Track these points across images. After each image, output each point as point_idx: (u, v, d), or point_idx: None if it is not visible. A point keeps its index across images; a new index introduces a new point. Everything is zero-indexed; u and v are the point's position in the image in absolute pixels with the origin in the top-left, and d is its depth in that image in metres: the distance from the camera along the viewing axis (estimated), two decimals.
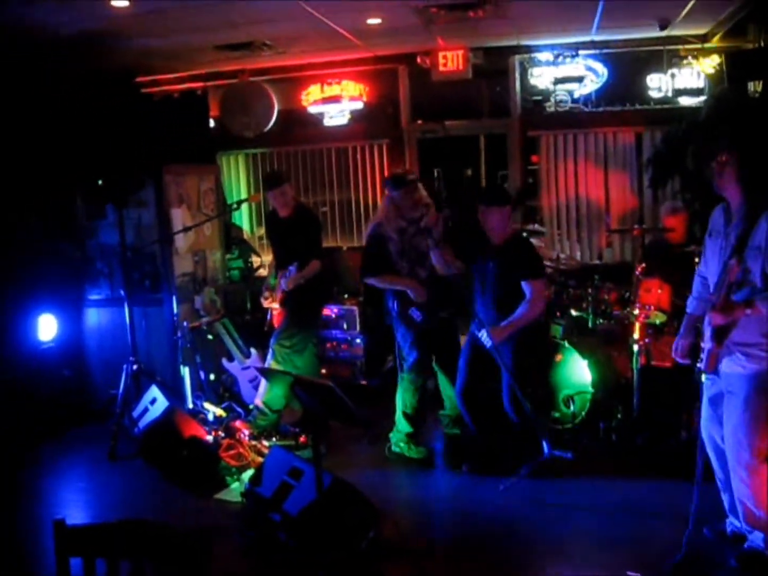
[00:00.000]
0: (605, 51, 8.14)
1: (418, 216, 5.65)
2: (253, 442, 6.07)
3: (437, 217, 5.69)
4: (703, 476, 4.14)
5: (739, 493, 4.06)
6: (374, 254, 5.89)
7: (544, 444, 5.27)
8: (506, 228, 5.44)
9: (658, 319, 6.02)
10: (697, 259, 5.73)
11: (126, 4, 5.60)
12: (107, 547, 2.33)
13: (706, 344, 3.98)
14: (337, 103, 8.76)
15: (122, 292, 6.68)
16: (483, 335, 5.32)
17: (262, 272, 8.63)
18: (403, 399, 5.98)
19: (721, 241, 4.03)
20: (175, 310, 7.09)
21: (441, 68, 8.11)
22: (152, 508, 5.29)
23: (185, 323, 7.06)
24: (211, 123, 8.84)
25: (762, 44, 7.35)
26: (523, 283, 5.33)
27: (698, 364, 4.17)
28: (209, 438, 6.05)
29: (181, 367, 7.05)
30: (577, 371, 6.16)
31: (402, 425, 6.01)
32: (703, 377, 4.17)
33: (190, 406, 6.97)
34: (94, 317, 7.48)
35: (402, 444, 6.01)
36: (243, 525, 4.71)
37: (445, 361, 6.00)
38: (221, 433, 6.19)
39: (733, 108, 6.83)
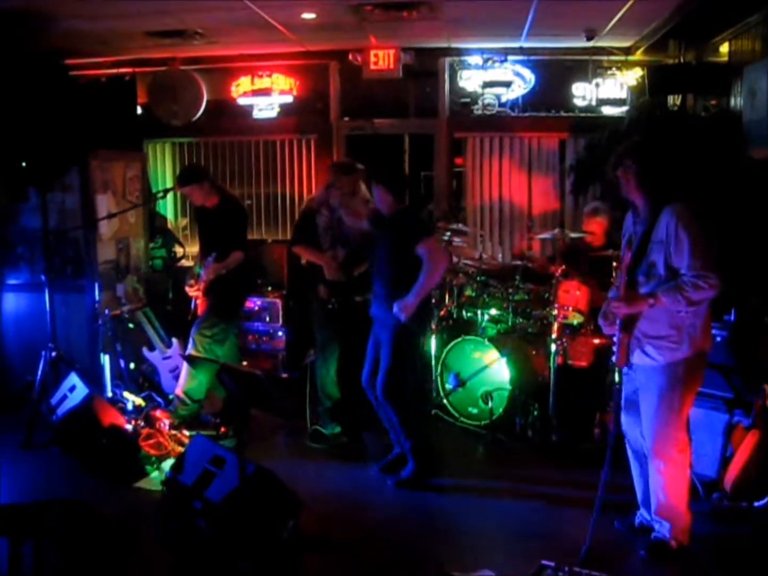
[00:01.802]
0: (533, 58, 8.34)
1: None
2: (174, 432, 6.03)
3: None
4: (618, 468, 4.32)
5: (653, 483, 4.23)
6: (303, 226, 6.32)
7: (410, 454, 5.39)
8: (391, 204, 5.39)
9: (576, 319, 6.20)
10: (615, 263, 5.95)
11: None
12: (34, 527, 2.33)
13: (616, 335, 4.18)
14: (266, 96, 8.75)
15: (43, 278, 6.56)
16: (396, 310, 5.17)
17: (185, 262, 8.57)
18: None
19: (629, 238, 4.25)
20: (96, 298, 6.99)
21: (372, 66, 8.18)
22: (70, 496, 5.19)
23: (106, 311, 6.97)
24: (139, 110, 8.73)
25: (682, 60, 7.63)
26: (419, 250, 5.18)
27: (611, 359, 4.36)
28: (129, 427, 6.00)
29: (101, 355, 6.94)
30: (496, 369, 6.29)
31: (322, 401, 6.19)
32: (619, 373, 4.36)
33: (110, 394, 6.86)
34: (11, 302, 7.30)
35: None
36: (163, 513, 4.68)
37: (346, 344, 6.16)
38: (141, 423, 6.13)
39: (653, 119, 7.06)
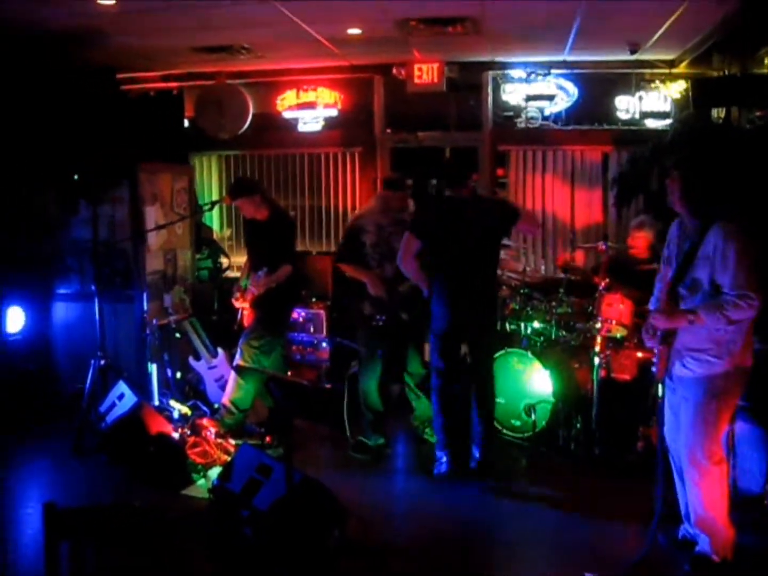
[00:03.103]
0: (576, 71, 8.35)
1: (402, 219, 5.98)
2: (219, 441, 6.11)
3: None
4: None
5: (690, 495, 4.22)
6: (349, 243, 6.27)
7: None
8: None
9: (619, 333, 6.16)
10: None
11: (112, 2, 5.66)
12: (95, 530, 2.40)
13: (657, 348, 4.19)
14: (311, 109, 8.87)
15: (93, 288, 6.69)
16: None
17: (230, 273, 8.68)
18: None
19: (676, 250, 4.25)
20: (144, 307, 7.12)
21: (416, 80, 8.24)
22: (123, 500, 5.28)
23: (154, 320, 7.09)
24: (186, 123, 8.89)
25: (726, 73, 7.58)
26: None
27: (652, 369, 4.36)
28: (176, 435, 6.08)
29: (149, 364, 7.05)
30: (539, 381, 6.30)
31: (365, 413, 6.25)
32: (660, 389, 4.36)
33: (156, 403, 6.96)
34: (62, 312, 7.48)
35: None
36: (210, 521, 4.77)
37: (390, 359, 6.21)
38: (187, 431, 6.23)
39: (697, 132, 7.03)
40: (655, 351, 4.27)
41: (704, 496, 4.15)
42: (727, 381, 4.06)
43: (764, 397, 4.95)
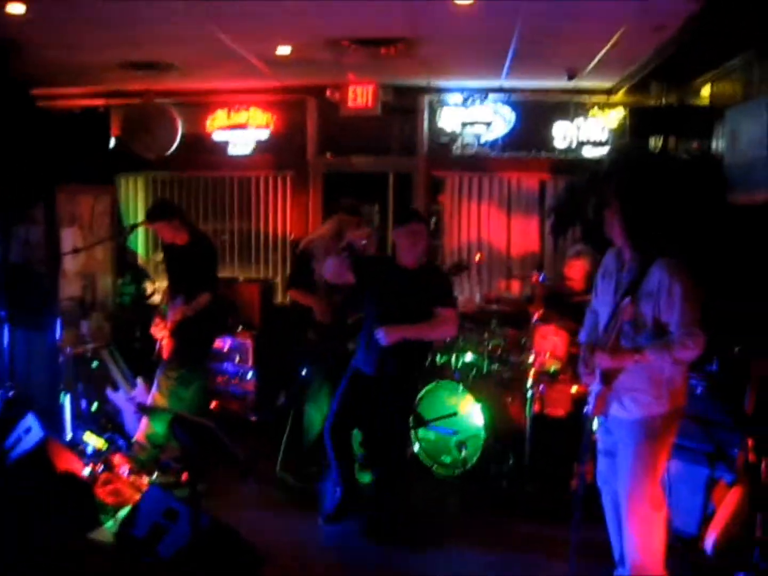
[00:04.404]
0: (514, 97, 8.25)
1: (357, 245, 5.65)
2: (133, 478, 5.77)
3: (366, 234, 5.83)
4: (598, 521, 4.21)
5: (627, 541, 4.06)
6: (298, 269, 6.19)
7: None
8: (420, 249, 5.15)
9: (553, 366, 6.04)
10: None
11: (22, 11, 5.34)
12: None
13: (594, 387, 4.02)
14: (242, 130, 8.61)
15: (1, 313, 6.33)
16: (379, 330, 4.97)
17: (156, 299, 8.36)
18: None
19: (614, 283, 4.11)
20: (58, 335, 6.75)
21: (350, 103, 8.02)
22: (20, 544, 4.91)
23: (68, 349, 6.74)
24: (112, 142, 8.57)
25: (663, 101, 7.56)
26: (437, 310, 5.07)
27: (586, 408, 4.20)
28: (86, 471, 5.73)
29: (62, 394, 6.69)
30: (471, 415, 6.08)
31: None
32: (595, 425, 4.19)
33: (69, 436, 6.61)
34: None
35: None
36: (113, 568, 4.44)
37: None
38: (100, 467, 5.88)
39: (635, 161, 6.97)
40: (591, 389, 4.08)
41: (642, 541, 4.00)
42: (665, 422, 3.94)
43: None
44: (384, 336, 4.95)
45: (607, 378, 3.96)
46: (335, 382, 5.88)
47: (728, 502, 4.45)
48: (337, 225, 6.03)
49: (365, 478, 6.03)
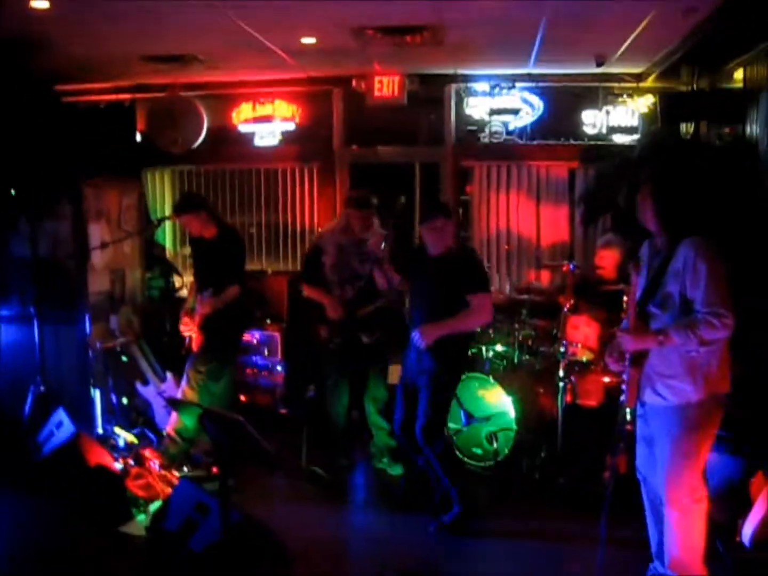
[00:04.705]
0: (542, 84, 8.13)
1: (366, 240, 5.72)
2: (163, 472, 5.76)
3: (382, 238, 5.65)
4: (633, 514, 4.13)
5: (667, 535, 3.96)
6: (310, 263, 6.13)
7: (455, 498, 5.13)
8: (448, 240, 5.14)
9: (585, 356, 5.96)
10: (625, 297, 5.71)
11: (46, 5, 5.32)
12: None
13: (626, 373, 3.94)
14: (268, 122, 8.56)
15: (32, 309, 6.34)
16: (416, 333, 5.02)
17: (184, 293, 8.35)
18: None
19: (645, 269, 4.04)
20: (87, 330, 6.76)
21: (376, 93, 7.96)
22: (53, 538, 4.96)
23: (98, 344, 6.75)
24: (138, 137, 8.57)
25: (694, 87, 7.42)
26: (469, 297, 5.04)
27: (621, 398, 4.11)
28: (117, 465, 5.75)
29: (92, 389, 6.71)
30: (502, 407, 6.02)
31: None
32: (632, 413, 4.10)
33: (100, 431, 6.63)
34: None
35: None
36: (145, 563, 4.43)
37: (356, 387, 6.07)
38: (131, 461, 5.89)
39: (666, 148, 6.84)
40: (624, 376, 4.00)
41: (682, 537, 3.89)
42: (703, 410, 3.81)
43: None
44: (420, 338, 4.98)
45: (636, 361, 3.88)
46: (351, 375, 6.03)
47: (766, 495, 4.36)
48: (345, 219, 5.98)
49: (396, 470, 6.02)
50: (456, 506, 5.10)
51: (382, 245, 5.48)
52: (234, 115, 8.66)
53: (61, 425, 5.85)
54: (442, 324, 4.99)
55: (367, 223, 5.85)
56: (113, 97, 8.55)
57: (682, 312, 3.76)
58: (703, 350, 3.73)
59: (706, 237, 3.81)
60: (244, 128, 8.64)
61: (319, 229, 6.76)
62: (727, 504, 4.57)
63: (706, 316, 3.63)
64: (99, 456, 5.69)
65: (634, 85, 7.95)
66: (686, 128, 7.43)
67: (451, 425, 6.11)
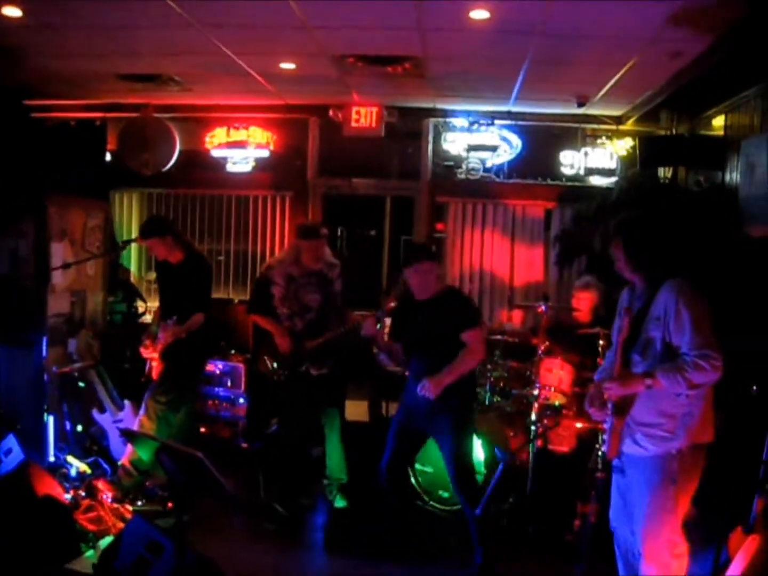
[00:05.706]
0: (521, 123, 8.11)
1: (316, 270, 5.72)
2: (116, 505, 5.50)
3: (336, 267, 5.76)
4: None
5: None
6: (259, 294, 5.99)
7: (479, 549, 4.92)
8: (433, 283, 5.04)
9: (558, 401, 5.82)
10: (602, 342, 5.61)
11: (19, 14, 5.15)
12: None
13: (608, 421, 3.81)
14: (242, 148, 8.40)
15: None
16: (422, 386, 4.82)
17: (147, 318, 8.13)
18: None
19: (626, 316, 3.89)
20: (44, 353, 6.50)
21: (353, 123, 7.88)
22: None
23: (54, 368, 6.49)
24: (108, 156, 8.37)
25: (673, 132, 7.41)
26: (463, 335, 4.93)
27: (602, 448, 3.97)
28: (67, 497, 5.48)
29: (46, 415, 6.44)
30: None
31: None
32: (603, 460, 3.97)
33: (52, 458, 6.35)
34: None
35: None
36: None
37: (313, 421, 5.97)
38: (82, 492, 5.62)
39: (643, 192, 6.80)
40: (606, 426, 3.85)
41: None
42: (683, 461, 3.66)
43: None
44: (428, 392, 4.81)
45: (620, 410, 3.74)
46: (304, 409, 5.84)
47: (745, 551, 4.21)
48: (295, 250, 5.86)
49: (340, 503, 5.95)
50: (479, 548, 4.93)
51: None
52: (207, 139, 8.49)
53: (10, 452, 5.58)
54: (445, 373, 4.84)
55: (318, 254, 5.75)
56: (84, 115, 8.38)
57: (664, 358, 3.63)
58: (684, 400, 3.61)
59: (683, 277, 3.72)
60: (217, 153, 8.48)
61: (268, 260, 6.61)
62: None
63: (694, 359, 3.50)
64: (49, 486, 5.39)
65: (613, 127, 7.97)
66: (664, 173, 7.40)
67: (417, 467, 5.93)
